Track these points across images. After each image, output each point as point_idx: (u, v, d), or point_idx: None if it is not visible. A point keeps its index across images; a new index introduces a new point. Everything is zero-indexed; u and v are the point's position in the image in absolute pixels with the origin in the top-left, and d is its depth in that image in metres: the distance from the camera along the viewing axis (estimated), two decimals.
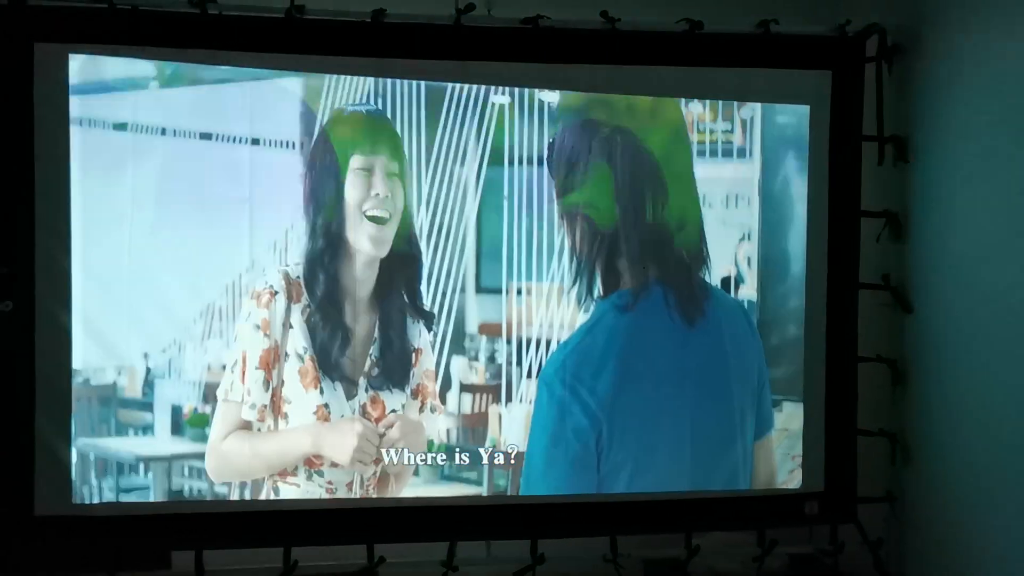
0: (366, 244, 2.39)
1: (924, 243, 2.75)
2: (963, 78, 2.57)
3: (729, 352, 2.60)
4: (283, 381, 2.41)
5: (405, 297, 2.48)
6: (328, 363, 2.40)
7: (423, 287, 2.54)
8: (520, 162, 2.64)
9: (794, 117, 2.78)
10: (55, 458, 2.41)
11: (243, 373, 2.39)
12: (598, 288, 2.49)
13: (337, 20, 2.53)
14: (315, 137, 2.51)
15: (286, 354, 2.40)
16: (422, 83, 2.57)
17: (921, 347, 2.76)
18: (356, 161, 2.39)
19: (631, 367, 2.49)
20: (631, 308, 2.48)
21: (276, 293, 2.37)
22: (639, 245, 2.50)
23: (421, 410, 2.51)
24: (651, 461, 2.53)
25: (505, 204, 2.64)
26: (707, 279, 2.59)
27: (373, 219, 2.39)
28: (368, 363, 2.45)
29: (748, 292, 2.73)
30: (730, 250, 2.76)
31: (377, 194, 2.39)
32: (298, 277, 2.40)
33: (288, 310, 2.39)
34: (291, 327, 2.40)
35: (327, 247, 2.39)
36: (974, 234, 2.54)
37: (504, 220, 2.64)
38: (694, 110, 2.74)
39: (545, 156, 2.58)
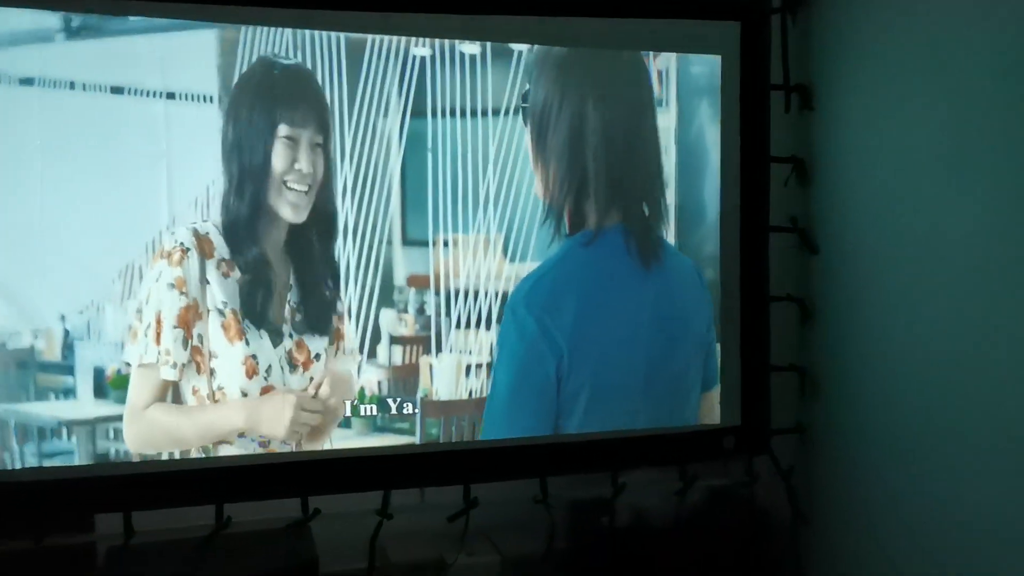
0: (286, 211, 2.42)
1: (828, 187, 2.83)
2: (862, 28, 2.64)
3: (681, 300, 2.78)
4: (206, 337, 2.39)
5: (318, 251, 2.50)
6: (251, 313, 2.41)
7: (345, 241, 2.55)
8: (443, 114, 2.63)
9: (707, 67, 2.83)
10: None
11: (158, 334, 2.35)
12: (564, 227, 2.62)
13: None
14: (234, 87, 2.45)
15: (207, 311, 2.39)
16: (342, 35, 2.52)
17: (827, 286, 2.86)
18: (283, 130, 2.41)
19: (591, 299, 2.64)
20: (592, 244, 2.62)
21: (188, 250, 2.36)
22: (604, 192, 2.63)
23: (336, 353, 2.55)
24: (607, 391, 2.69)
25: (429, 156, 2.63)
26: (664, 235, 2.74)
27: (293, 191, 2.42)
28: (288, 310, 2.47)
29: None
30: None
31: (300, 168, 2.42)
32: (207, 233, 2.39)
33: (203, 266, 2.38)
34: (208, 283, 2.39)
35: (250, 211, 2.40)
36: (875, 177, 2.62)
37: (429, 172, 2.63)
38: None
39: (521, 105, 2.64)
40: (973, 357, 2.26)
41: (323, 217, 2.50)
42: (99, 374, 2.45)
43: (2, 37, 2.32)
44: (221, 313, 2.39)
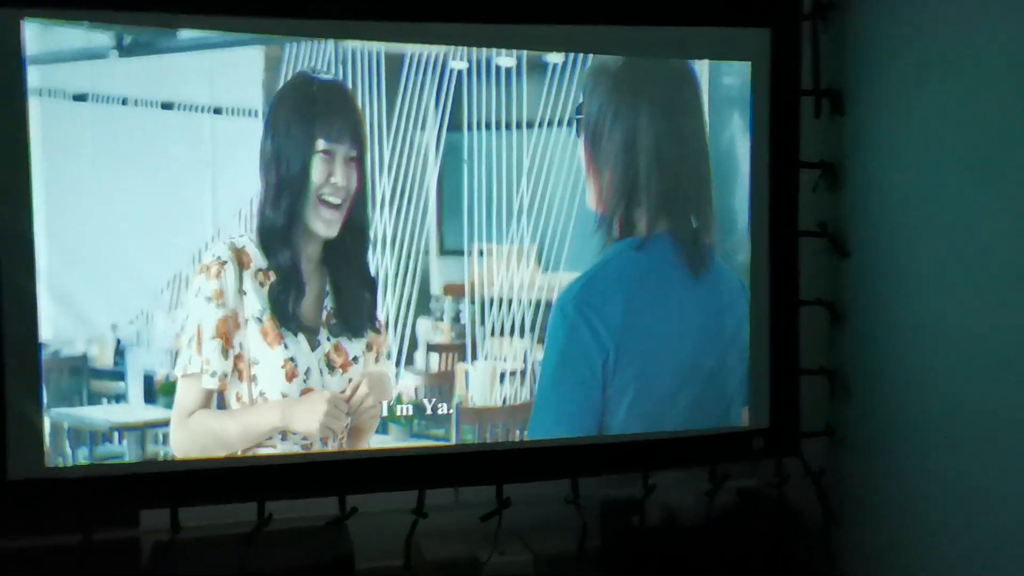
0: (319, 226, 2.49)
1: (858, 191, 2.86)
2: (892, 34, 2.66)
3: (727, 311, 2.86)
4: (246, 345, 2.47)
5: (352, 261, 2.57)
6: (286, 317, 2.48)
7: (379, 251, 2.62)
8: (479, 126, 2.70)
9: (738, 78, 2.87)
10: (26, 423, 2.41)
11: (199, 345, 2.44)
12: (615, 232, 2.69)
13: None
14: (273, 101, 2.51)
15: (245, 320, 2.46)
16: (381, 50, 2.59)
17: (857, 289, 2.88)
18: (321, 144, 2.47)
19: (639, 301, 2.73)
20: (642, 249, 2.70)
21: (225, 263, 2.44)
22: (655, 200, 2.71)
23: (376, 360, 2.62)
24: (651, 392, 2.77)
25: (465, 168, 2.69)
26: (712, 245, 2.81)
27: (327, 203, 2.48)
28: (324, 314, 2.54)
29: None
30: None
31: (335, 181, 2.48)
32: (244, 246, 2.46)
33: (240, 277, 2.46)
34: (245, 293, 2.46)
35: (286, 221, 2.47)
36: (904, 182, 2.64)
37: (464, 184, 2.69)
38: None
39: (575, 116, 2.71)
40: (1003, 359, 2.28)
41: (356, 229, 2.57)
42: (148, 380, 2.54)
43: (58, 54, 2.42)
44: (259, 320, 2.47)
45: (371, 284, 2.63)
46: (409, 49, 2.63)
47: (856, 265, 2.88)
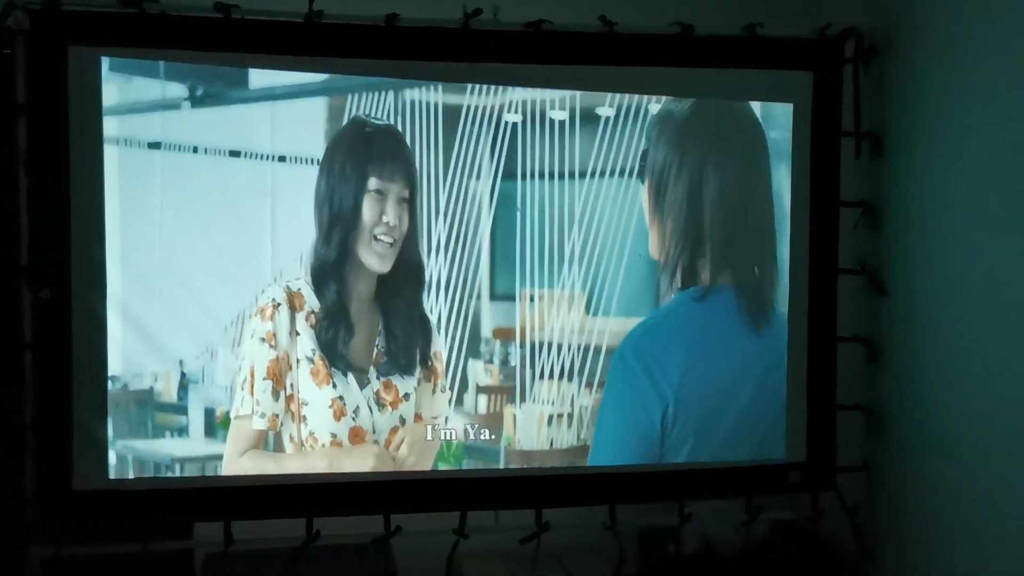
0: (373, 261, 2.57)
1: (897, 231, 2.88)
2: (934, 78, 2.70)
3: (785, 364, 2.89)
4: (297, 386, 2.56)
5: (406, 300, 2.64)
6: (335, 356, 2.57)
7: (432, 294, 2.71)
8: (532, 176, 2.78)
9: (784, 132, 2.92)
10: (91, 437, 2.53)
11: (251, 386, 2.55)
12: (677, 281, 2.74)
13: (353, 23, 2.64)
14: (329, 144, 2.62)
15: (297, 360, 2.57)
16: (439, 102, 2.70)
17: (894, 327, 2.90)
18: (373, 183, 2.56)
19: (699, 352, 2.75)
20: (704, 300, 2.73)
21: (279, 305, 2.55)
22: (719, 251, 2.75)
23: (433, 392, 2.69)
24: (709, 441, 2.79)
25: (518, 216, 2.78)
26: (774, 299, 2.85)
27: (380, 240, 2.56)
28: (375, 352, 2.62)
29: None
30: None
31: (388, 221, 2.56)
32: (299, 289, 2.56)
33: (292, 319, 2.55)
34: (298, 334, 2.56)
35: (339, 258, 2.56)
36: (943, 223, 2.67)
37: (517, 231, 2.77)
38: None
39: (638, 165, 2.77)
40: None
41: (410, 268, 2.64)
42: (210, 414, 2.66)
43: (134, 105, 2.58)
44: (310, 360, 2.57)
45: (425, 323, 2.68)
46: (466, 101, 2.74)
47: (894, 303, 2.91)
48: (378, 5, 2.63)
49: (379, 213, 2.57)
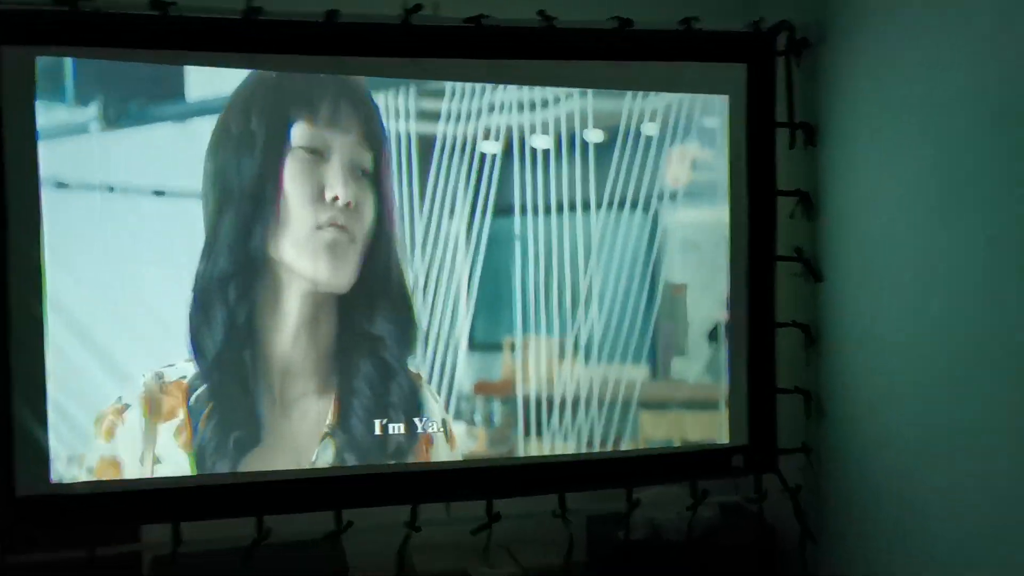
0: (317, 267, 1.62)
1: (832, 219, 2.96)
2: (865, 70, 2.77)
3: None
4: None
5: (391, 358, 1.89)
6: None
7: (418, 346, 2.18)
8: (515, 211, 2.68)
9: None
10: (33, 442, 2.48)
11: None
12: None
13: (293, 20, 2.59)
14: (235, 92, 2.09)
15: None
16: (412, 133, 2.51)
17: (830, 313, 2.97)
18: (301, 133, 1.67)
19: None
20: None
21: (126, 409, 1.77)
22: None
23: None
24: None
25: (516, 253, 2.65)
26: None
27: (326, 231, 1.67)
28: (317, 450, 1.86)
29: None
30: None
31: (336, 198, 1.66)
32: (175, 380, 1.68)
33: (150, 431, 1.73)
34: (157, 461, 1.74)
35: (243, 269, 1.61)
36: (876, 210, 2.74)
37: (503, 271, 2.65)
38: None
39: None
40: (969, 378, 2.37)
41: (388, 286, 1.83)
42: None
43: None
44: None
45: (412, 387, 2.02)
46: (440, 129, 2.59)
47: (830, 289, 2.99)
48: (318, 1, 2.60)
49: (317, 184, 1.62)
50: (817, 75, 3.00)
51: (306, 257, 1.70)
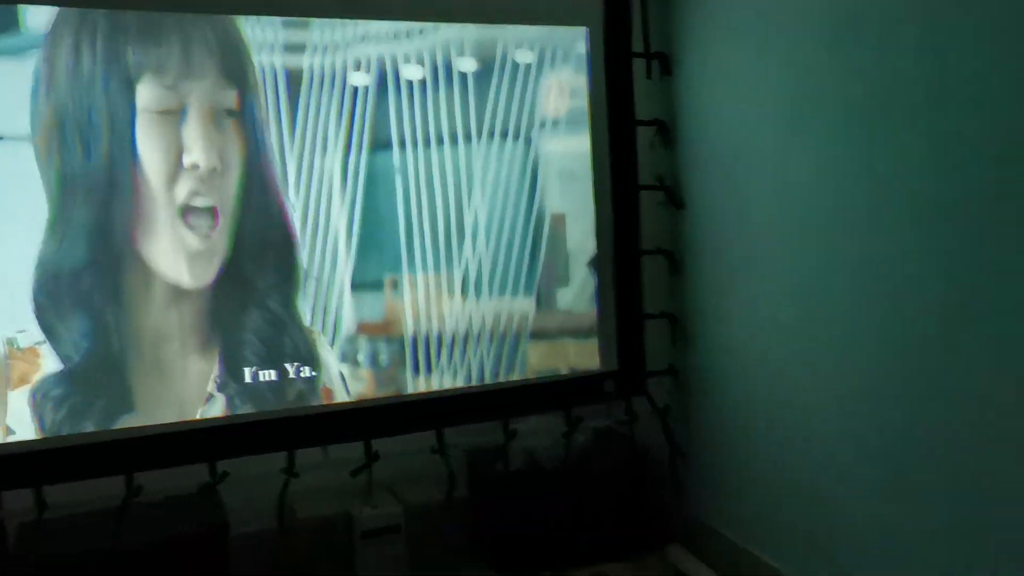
0: (177, 267, 1.43)
1: (689, 147, 3.03)
2: (711, 1, 2.84)
3: None
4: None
5: (277, 305, 1.75)
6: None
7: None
8: (393, 145, 2.61)
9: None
10: None
11: None
12: None
13: None
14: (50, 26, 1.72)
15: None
16: (279, 67, 2.36)
17: (692, 239, 3.06)
18: (148, 93, 1.40)
19: None
20: None
21: None
22: None
23: None
24: None
25: (397, 188, 2.58)
26: None
27: (188, 215, 1.45)
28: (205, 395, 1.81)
29: None
30: None
31: (196, 164, 1.44)
32: (38, 343, 1.47)
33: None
34: (11, 431, 1.50)
35: (92, 264, 1.41)
36: (728, 137, 2.82)
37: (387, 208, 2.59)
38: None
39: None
40: (822, 296, 2.48)
41: (263, 234, 1.67)
42: None
43: None
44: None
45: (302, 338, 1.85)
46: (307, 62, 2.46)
47: (691, 216, 3.07)
48: None
49: (174, 149, 1.43)
50: (671, 4, 3.04)
51: (168, 259, 1.52)
